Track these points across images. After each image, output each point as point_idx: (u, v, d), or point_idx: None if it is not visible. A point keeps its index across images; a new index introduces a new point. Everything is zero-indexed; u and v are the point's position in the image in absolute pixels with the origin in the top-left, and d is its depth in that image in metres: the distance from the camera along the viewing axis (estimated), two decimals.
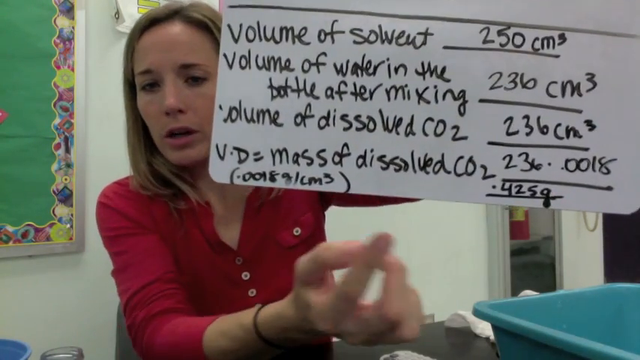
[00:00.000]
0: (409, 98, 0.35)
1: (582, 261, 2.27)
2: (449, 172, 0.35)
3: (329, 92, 0.35)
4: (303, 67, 0.35)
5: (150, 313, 0.63)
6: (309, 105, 0.35)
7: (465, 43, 0.35)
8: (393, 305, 0.34)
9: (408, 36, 0.35)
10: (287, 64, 0.35)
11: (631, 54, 0.34)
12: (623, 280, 0.57)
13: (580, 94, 0.34)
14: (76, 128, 1.27)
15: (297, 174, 0.35)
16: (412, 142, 0.35)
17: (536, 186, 0.34)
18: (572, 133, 0.34)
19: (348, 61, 0.35)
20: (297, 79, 0.35)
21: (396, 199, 0.73)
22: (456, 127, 0.35)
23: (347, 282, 0.34)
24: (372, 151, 0.35)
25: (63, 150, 1.25)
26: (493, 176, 0.35)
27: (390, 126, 0.35)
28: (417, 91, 0.35)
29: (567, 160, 0.34)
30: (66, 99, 1.26)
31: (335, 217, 0.88)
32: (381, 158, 0.35)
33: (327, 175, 0.35)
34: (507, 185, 0.35)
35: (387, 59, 0.35)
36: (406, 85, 0.35)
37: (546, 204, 0.34)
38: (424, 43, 0.35)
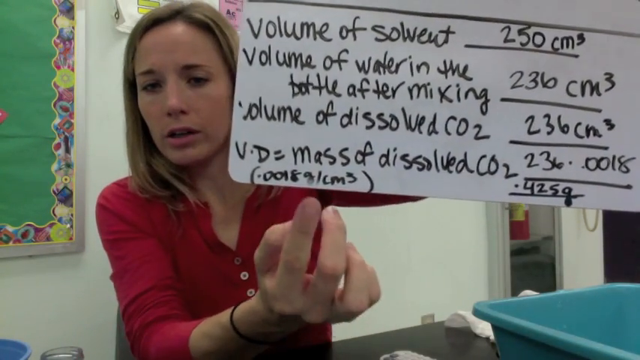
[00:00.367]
0: (431, 97, 0.35)
1: (582, 261, 2.31)
2: (472, 171, 0.35)
3: (351, 90, 0.34)
4: (324, 63, 0.34)
5: (145, 321, 0.63)
6: (331, 102, 0.34)
7: (487, 41, 0.35)
8: (327, 259, 0.33)
9: (430, 34, 0.35)
10: (308, 60, 0.34)
11: None
12: (623, 280, 0.57)
13: (599, 94, 0.35)
14: (76, 128, 1.26)
15: (320, 173, 0.34)
16: (435, 140, 0.35)
17: (557, 185, 0.35)
18: (592, 132, 0.35)
19: (370, 59, 0.35)
20: (318, 76, 0.34)
21: (397, 199, 0.73)
22: (479, 126, 0.35)
23: (286, 250, 0.34)
24: (394, 149, 0.34)
25: (63, 150, 1.24)
26: (515, 175, 0.35)
27: (413, 124, 0.35)
28: (439, 89, 0.35)
29: (588, 159, 0.34)
30: (66, 99, 1.24)
31: None
32: (403, 157, 0.34)
33: (349, 175, 0.34)
34: (530, 184, 0.35)
35: (409, 57, 0.35)
36: (428, 84, 0.35)
37: (568, 202, 0.35)
38: (446, 41, 0.35)
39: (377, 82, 0.35)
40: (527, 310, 0.50)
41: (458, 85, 0.35)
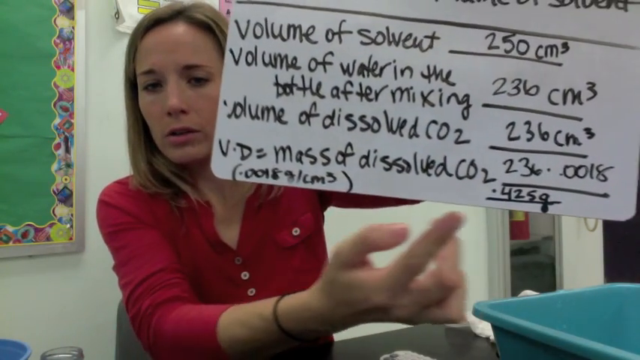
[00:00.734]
0: (414, 100, 0.35)
1: (582, 261, 2.28)
2: (450, 175, 0.35)
3: (335, 92, 0.35)
4: (309, 65, 0.35)
5: (156, 301, 0.62)
6: (314, 104, 0.35)
7: (471, 48, 0.35)
8: (452, 272, 0.35)
9: (415, 39, 0.35)
10: (294, 62, 0.35)
11: (630, 65, 0.35)
12: (623, 280, 0.57)
13: (581, 103, 0.35)
14: (76, 128, 1.26)
15: (300, 172, 0.35)
16: (415, 143, 0.35)
17: (535, 191, 0.35)
18: (571, 141, 0.35)
19: (354, 62, 0.35)
20: (303, 77, 0.35)
21: (397, 201, 0.73)
22: (459, 131, 0.35)
23: (414, 255, 0.35)
24: (375, 151, 0.35)
25: (63, 150, 1.24)
26: (494, 180, 0.35)
27: (395, 127, 0.35)
28: (422, 93, 0.35)
29: (566, 167, 0.35)
30: (66, 99, 1.25)
31: (335, 218, 0.88)
32: (384, 159, 0.35)
33: (330, 174, 0.35)
34: (507, 189, 0.35)
35: (394, 61, 0.35)
36: (411, 88, 0.35)
37: (544, 209, 0.35)
38: (430, 46, 0.35)
39: (360, 84, 0.35)
40: (527, 310, 0.50)
41: (440, 90, 0.35)
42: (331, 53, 0.35)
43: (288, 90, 0.35)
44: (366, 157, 0.35)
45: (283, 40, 0.35)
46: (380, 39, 0.35)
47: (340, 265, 0.38)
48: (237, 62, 0.35)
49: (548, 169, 0.35)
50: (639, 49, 0.35)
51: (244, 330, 0.53)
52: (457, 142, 0.35)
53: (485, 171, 0.35)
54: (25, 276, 1.22)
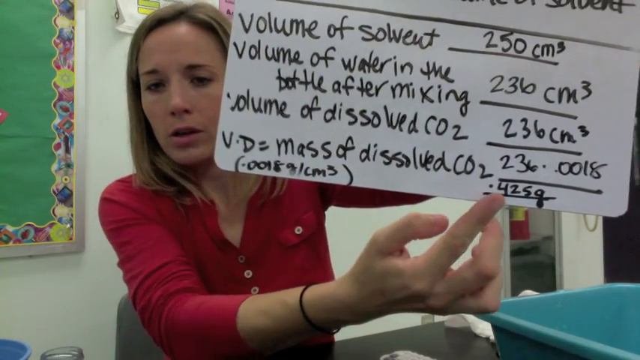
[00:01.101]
0: (413, 96, 0.36)
1: (582, 261, 2.29)
2: (449, 170, 0.36)
3: (336, 86, 0.36)
4: (311, 60, 0.36)
5: (168, 291, 0.61)
6: (315, 98, 0.36)
7: (470, 45, 0.36)
8: (490, 261, 0.35)
9: (415, 36, 0.36)
10: (296, 56, 0.36)
11: (623, 65, 0.36)
12: (623, 280, 0.58)
13: (575, 101, 0.36)
14: (76, 128, 1.26)
15: (302, 165, 0.36)
16: (415, 139, 0.36)
17: (530, 187, 0.36)
18: (566, 138, 0.36)
19: (355, 57, 0.36)
20: (305, 71, 0.36)
21: (396, 201, 0.74)
22: (457, 127, 0.36)
23: (455, 235, 0.35)
24: (375, 145, 0.36)
25: (63, 150, 1.25)
26: (490, 175, 0.36)
27: (394, 122, 0.36)
28: (421, 89, 0.36)
29: (561, 163, 0.36)
30: (66, 99, 1.25)
31: (335, 218, 0.88)
32: (383, 153, 0.36)
33: (330, 168, 0.36)
34: (504, 185, 0.36)
35: (394, 57, 0.36)
36: (411, 84, 0.36)
37: (540, 204, 0.36)
38: (430, 43, 0.36)
39: (361, 79, 0.36)
40: (527, 310, 0.50)
41: (439, 87, 0.36)
42: (333, 48, 0.36)
43: (290, 84, 0.36)
44: (367, 151, 0.36)
45: (286, 34, 0.36)
46: (381, 35, 0.36)
47: (377, 252, 0.38)
48: (240, 55, 0.35)
49: (544, 166, 0.36)
50: (632, 49, 0.36)
51: (266, 319, 0.52)
52: (455, 137, 0.36)
53: (482, 166, 0.36)
54: (25, 276, 1.22)
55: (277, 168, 0.35)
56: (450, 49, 0.36)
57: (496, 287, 0.37)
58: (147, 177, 0.71)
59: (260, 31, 0.36)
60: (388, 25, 0.36)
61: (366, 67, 0.36)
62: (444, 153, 0.36)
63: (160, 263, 0.64)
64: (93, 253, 1.28)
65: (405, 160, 0.36)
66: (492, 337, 0.72)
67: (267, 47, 0.36)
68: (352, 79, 0.36)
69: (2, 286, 1.18)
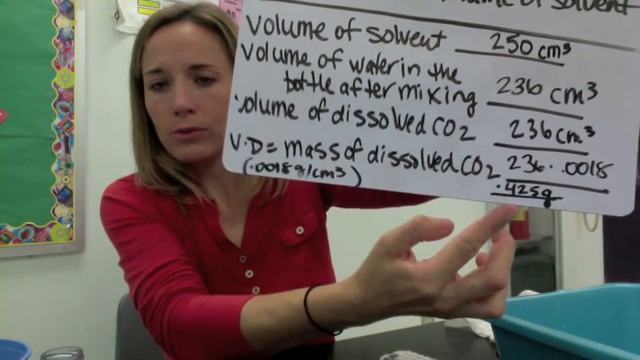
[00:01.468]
0: (421, 97, 0.36)
1: (582, 261, 2.30)
2: (456, 171, 0.36)
3: (344, 88, 0.36)
4: (319, 62, 0.36)
5: (171, 290, 0.61)
6: (323, 99, 0.36)
7: (476, 47, 0.36)
8: (500, 272, 0.36)
9: (423, 37, 0.36)
10: (304, 58, 0.36)
11: (628, 66, 0.36)
12: (623, 280, 0.58)
13: (582, 102, 0.36)
14: (76, 128, 1.26)
15: (310, 167, 0.36)
16: (422, 140, 0.36)
17: (538, 187, 0.36)
18: (573, 138, 0.36)
19: (363, 59, 0.36)
20: (313, 73, 0.36)
21: (396, 202, 0.74)
22: (465, 128, 0.36)
23: (467, 239, 0.36)
24: (383, 147, 0.36)
25: (63, 150, 1.24)
26: (498, 176, 0.36)
27: (402, 124, 0.36)
28: (428, 91, 0.36)
29: (568, 164, 0.36)
30: (66, 99, 1.25)
31: (336, 219, 0.88)
32: (391, 154, 0.36)
33: (339, 169, 0.36)
34: (511, 185, 0.36)
35: (402, 59, 0.36)
36: (419, 85, 0.36)
37: (547, 204, 0.36)
38: (437, 45, 0.36)
39: (369, 81, 0.36)
40: (527, 310, 0.50)
41: (447, 88, 0.36)
42: (340, 50, 0.36)
43: (298, 86, 0.36)
44: (375, 152, 0.36)
45: (294, 36, 0.36)
46: (388, 37, 0.36)
47: (385, 254, 0.38)
48: (248, 57, 0.35)
49: (551, 166, 0.36)
50: (637, 50, 0.36)
51: (272, 319, 0.52)
52: (463, 138, 0.36)
53: (489, 167, 0.36)
54: (25, 276, 1.21)
55: (285, 170, 0.35)
56: (457, 50, 0.36)
57: (502, 295, 0.38)
58: (149, 176, 0.71)
59: (268, 33, 0.36)
60: (395, 27, 0.36)
61: (374, 69, 0.36)
62: (451, 154, 0.36)
63: (162, 262, 0.64)
64: (93, 253, 1.27)
65: (412, 161, 0.36)
66: (492, 337, 0.72)
67: (274, 49, 0.36)
68: (360, 81, 0.36)
69: (2, 286, 1.18)
